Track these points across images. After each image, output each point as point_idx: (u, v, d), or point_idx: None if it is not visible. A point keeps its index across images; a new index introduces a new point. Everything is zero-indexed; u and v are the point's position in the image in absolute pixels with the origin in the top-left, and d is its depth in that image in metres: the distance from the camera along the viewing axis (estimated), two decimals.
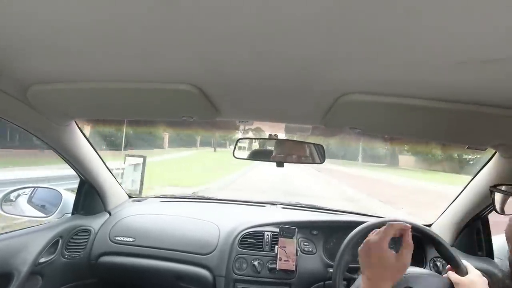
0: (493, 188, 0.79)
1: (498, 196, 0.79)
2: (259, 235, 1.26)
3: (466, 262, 0.85)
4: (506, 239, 0.69)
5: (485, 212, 1.15)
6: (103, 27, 0.48)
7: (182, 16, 0.44)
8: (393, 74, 0.57)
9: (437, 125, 0.79)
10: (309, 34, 0.46)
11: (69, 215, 1.29)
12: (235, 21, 0.44)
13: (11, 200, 1.23)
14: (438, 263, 1.18)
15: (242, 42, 0.50)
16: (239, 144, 1.29)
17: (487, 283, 0.80)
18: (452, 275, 0.82)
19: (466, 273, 0.82)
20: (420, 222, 1.20)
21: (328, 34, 0.45)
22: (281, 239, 1.19)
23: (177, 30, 0.48)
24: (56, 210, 1.25)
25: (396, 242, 0.71)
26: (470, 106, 0.65)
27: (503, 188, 0.78)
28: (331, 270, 0.94)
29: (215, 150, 29.54)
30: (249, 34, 0.47)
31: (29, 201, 1.28)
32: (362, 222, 0.92)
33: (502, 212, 0.77)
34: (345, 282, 0.87)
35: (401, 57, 0.50)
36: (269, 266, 1.18)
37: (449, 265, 0.85)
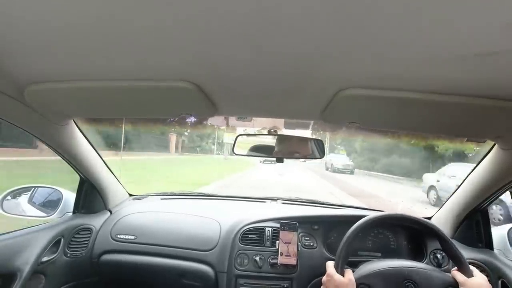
0: None
1: None
2: (260, 231, 1.26)
3: (472, 267, 0.84)
4: None
5: (484, 204, 1.16)
6: (100, 25, 0.48)
7: (178, 13, 0.43)
8: (391, 68, 0.57)
9: (436, 118, 0.79)
10: (306, 29, 0.45)
11: (70, 214, 1.29)
12: (231, 17, 0.43)
13: (12, 200, 1.23)
14: (439, 255, 1.19)
15: (239, 38, 0.49)
16: (238, 140, 1.29)
17: None
18: (459, 276, 0.81)
19: (472, 275, 0.81)
20: (419, 215, 1.20)
21: (325, 29, 0.45)
22: (282, 234, 1.20)
23: (173, 28, 0.47)
24: (57, 209, 1.25)
25: None
26: (468, 99, 0.65)
27: None
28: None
29: None
30: (246, 30, 0.47)
31: (30, 201, 1.28)
32: (362, 216, 0.92)
33: None
34: None
35: (399, 51, 0.50)
36: (271, 261, 1.19)
37: (456, 267, 0.85)
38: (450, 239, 0.88)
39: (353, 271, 0.87)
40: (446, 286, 0.81)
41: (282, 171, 14.02)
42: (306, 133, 1.27)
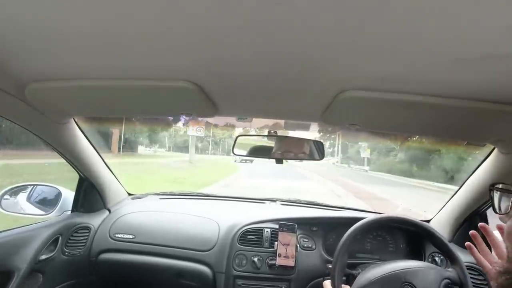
0: (492, 187, 0.78)
1: (497, 195, 0.78)
2: (258, 232, 1.26)
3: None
4: (506, 237, 0.68)
5: (483, 208, 1.16)
6: (101, 25, 0.48)
7: (179, 13, 0.43)
8: (392, 70, 0.57)
9: (436, 121, 0.79)
10: (307, 31, 0.45)
11: (69, 212, 1.29)
12: (233, 18, 0.44)
13: (10, 198, 1.23)
14: (437, 258, 1.19)
15: (241, 40, 0.49)
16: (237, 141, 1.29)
17: None
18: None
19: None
20: (418, 218, 1.21)
21: (327, 31, 0.45)
22: (280, 235, 1.20)
23: (175, 28, 0.47)
24: (56, 207, 1.25)
25: None
26: (469, 102, 0.65)
27: (501, 186, 0.77)
28: (330, 266, 0.94)
29: None
30: (248, 31, 0.47)
31: (28, 199, 1.28)
32: (361, 218, 0.92)
33: (500, 210, 0.77)
34: (344, 278, 0.88)
35: (400, 53, 0.50)
36: (269, 262, 1.19)
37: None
38: (447, 242, 0.88)
39: (350, 285, 0.86)
40: (443, 279, 0.81)
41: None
42: (307, 134, 1.27)
